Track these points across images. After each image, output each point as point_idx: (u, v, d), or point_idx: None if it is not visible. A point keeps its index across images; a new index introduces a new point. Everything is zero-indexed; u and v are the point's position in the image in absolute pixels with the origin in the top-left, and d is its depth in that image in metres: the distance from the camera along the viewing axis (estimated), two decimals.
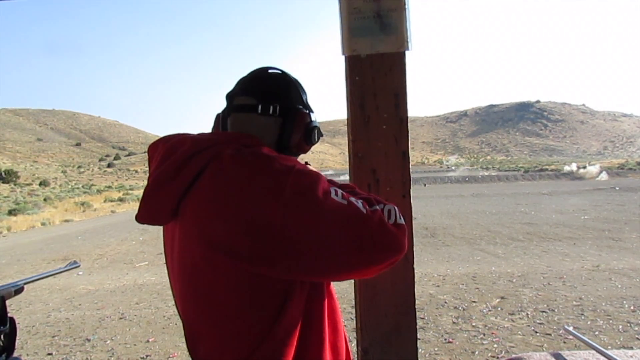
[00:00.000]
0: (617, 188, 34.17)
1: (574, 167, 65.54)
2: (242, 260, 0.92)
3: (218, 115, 1.22)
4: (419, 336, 5.09)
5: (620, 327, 5.41)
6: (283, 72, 1.19)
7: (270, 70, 1.19)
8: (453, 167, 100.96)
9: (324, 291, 1.05)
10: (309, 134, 1.16)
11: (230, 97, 1.18)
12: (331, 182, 1.09)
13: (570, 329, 2.55)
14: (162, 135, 1.36)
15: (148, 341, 5.49)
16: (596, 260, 9.54)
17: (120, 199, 38.06)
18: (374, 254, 0.95)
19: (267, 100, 1.12)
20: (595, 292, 6.80)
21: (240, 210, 0.93)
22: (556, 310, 6.09)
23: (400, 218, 1.01)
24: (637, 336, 5.12)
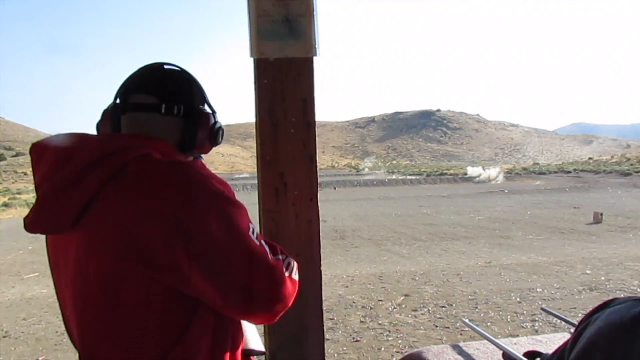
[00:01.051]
0: (506, 191, 37.53)
1: (477, 170, 71.09)
2: (160, 271, 0.89)
3: (106, 112, 1.11)
4: (328, 336, 5.20)
5: (509, 317, 5.94)
6: (183, 70, 1.14)
7: (167, 67, 1.12)
8: (367, 170, 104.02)
9: None
10: (214, 135, 1.13)
11: (123, 93, 1.09)
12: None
13: (467, 321, 2.75)
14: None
15: None
16: (488, 257, 10.40)
17: (6, 204, 34.40)
18: (263, 302, 0.97)
19: (171, 100, 1.06)
20: (488, 286, 7.40)
21: (166, 224, 0.88)
22: (454, 304, 6.53)
23: (296, 273, 1.05)
24: (522, 325, 5.65)
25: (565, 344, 0.97)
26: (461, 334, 5.33)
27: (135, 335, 0.93)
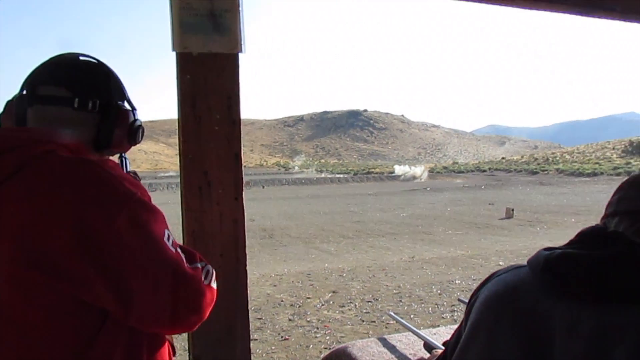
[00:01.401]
0: (428, 189, 39.34)
1: (404, 168, 74.00)
2: (62, 279, 0.81)
3: (10, 103, 1.01)
4: (256, 336, 5.16)
5: (430, 309, 6.24)
6: (100, 62, 1.06)
7: (82, 58, 1.04)
8: (297, 169, 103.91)
9: None
10: (133, 133, 1.07)
11: (31, 84, 0.99)
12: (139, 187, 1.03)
13: (392, 314, 2.85)
14: None
15: None
16: (412, 252, 10.85)
17: None
18: (179, 314, 0.92)
19: (86, 94, 0.98)
20: (411, 280, 7.72)
21: (70, 226, 0.81)
22: (379, 299, 6.74)
23: (214, 282, 1.00)
24: (442, 316, 5.96)
25: (462, 323, 1.00)
26: (386, 327, 5.52)
27: (31, 354, 0.84)
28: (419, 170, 71.61)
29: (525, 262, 0.90)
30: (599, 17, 2.00)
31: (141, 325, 0.91)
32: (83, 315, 0.85)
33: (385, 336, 2.21)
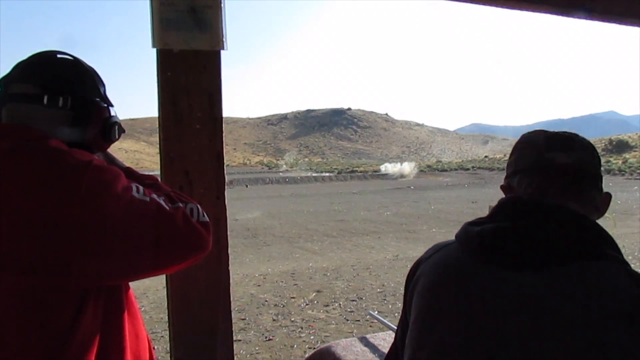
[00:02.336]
0: (412, 187, 39.63)
1: (395, 166, 74.40)
2: (30, 272, 0.80)
3: None
4: (240, 337, 5.13)
5: None
6: (76, 59, 1.05)
7: (59, 56, 1.04)
8: (285, 167, 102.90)
9: (122, 298, 0.97)
10: (107, 130, 1.06)
11: (5, 83, 0.99)
12: (131, 176, 1.02)
13: (375, 313, 2.86)
14: None
15: None
16: (396, 250, 10.91)
17: None
18: (177, 251, 0.94)
19: (56, 91, 0.98)
20: (395, 278, 7.76)
21: (27, 215, 0.80)
22: (364, 298, 6.77)
23: (203, 216, 1.01)
24: None
25: (403, 313, 1.02)
26: (371, 326, 5.54)
27: (11, 350, 0.83)
28: (408, 167, 71.87)
29: (450, 240, 0.97)
30: (580, 17, 2.03)
31: (140, 277, 0.93)
32: (60, 303, 0.85)
33: (368, 335, 2.22)
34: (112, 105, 1.09)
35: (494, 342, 0.79)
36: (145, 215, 0.89)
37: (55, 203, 0.82)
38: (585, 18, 2.03)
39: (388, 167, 75.90)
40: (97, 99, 1.05)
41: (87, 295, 0.88)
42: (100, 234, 0.84)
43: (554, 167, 0.90)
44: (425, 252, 1.01)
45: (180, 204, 0.97)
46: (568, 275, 0.78)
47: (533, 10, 1.96)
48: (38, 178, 0.84)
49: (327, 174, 70.97)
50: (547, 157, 0.91)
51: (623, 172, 52.63)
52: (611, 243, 0.84)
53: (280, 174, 74.87)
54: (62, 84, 1.00)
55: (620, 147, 79.47)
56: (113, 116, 1.08)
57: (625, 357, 0.73)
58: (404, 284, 1.04)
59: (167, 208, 0.93)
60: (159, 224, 0.90)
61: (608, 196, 0.94)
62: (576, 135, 0.96)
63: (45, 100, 0.97)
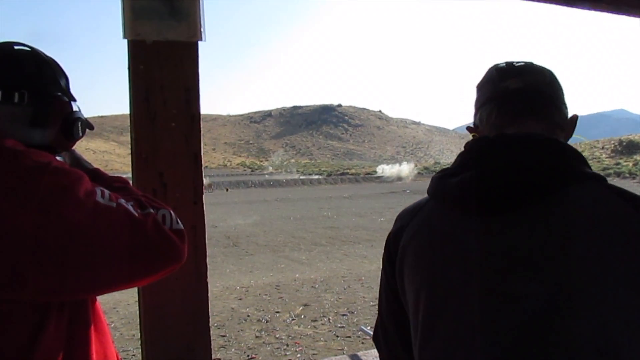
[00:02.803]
0: (408, 191, 39.81)
1: (389, 168, 74.48)
2: None
3: None
4: (219, 356, 5.11)
5: None
6: (33, 50, 1.04)
7: (16, 47, 1.03)
8: (271, 169, 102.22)
9: (88, 312, 0.97)
10: (69, 127, 1.05)
11: None
12: (98, 179, 1.02)
13: (367, 329, 2.87)
14: None
15: None
16: None
17: None
18: (147, 263, 0.93)
19: (11, 85, 0.97)
20: None
21: None
22: (355, 312, 6.78)
23: (177, 223, 1.00)
24: None
25: (386, 279, 1.09)
26: (363, 343, 5.54)
27: None
28: (406, 169, 71.76)
29: (417, 202, 1.07)
30: (586, 8, 2.07)
31: (108, 290, 0.92)
32: (19, 316, 0.85)
33: (360, 353, 2.23)
34: (74, 100, 1.08)
35: (516, 285, 0.84)
36: (111, 222, 0.88)
37: (8, 209, 0.81)
38: (591, 9, 2.07)
39: (385, 169, 75.98)
40: (58, 94, 1.04)
41: (48, 309, 0.87)
42: (59, 243, 0.83)
43: (508, 93, 1.01)
44: (399, 221, 1.07)
45: (152, 210, 0.97)
46: (561, 204, 0.85)
47: (539, 0, 1.99)
48: None
49: (315, 177, 71.05)
50: (501, 86, 1.02)
51: (634, 175, 53.42)
52: (584, 161, 0.93)
53: (266, 176, 74.69)
54: (17, 77, 0.99)
55: (630, 148, 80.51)
56: (76, 111, 1.07)
57: (631, 279, 0.79)
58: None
59: (136, 215, 0.92)
60: (125, 232, 0.89)
61: (574, 116, 1.05)
62: (530, 63, 1.06)
63: None
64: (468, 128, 1.11)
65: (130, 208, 0.93)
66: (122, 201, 0.93)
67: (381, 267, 1.12)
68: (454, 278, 0.91)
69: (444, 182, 0.96)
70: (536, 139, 0.92)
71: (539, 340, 0.80)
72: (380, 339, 1.15)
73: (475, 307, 0.87)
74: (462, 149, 1.01)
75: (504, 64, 1.06)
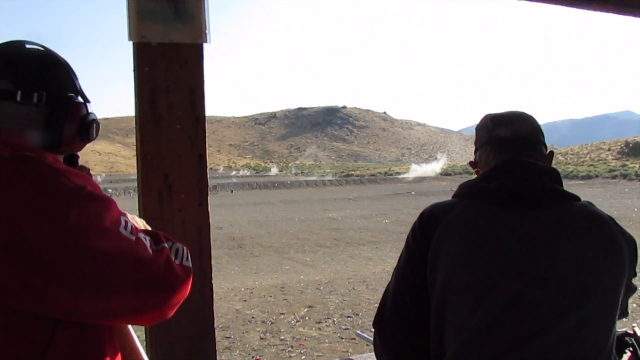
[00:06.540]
0: (413, 193, 39.74)
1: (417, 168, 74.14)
2: (7, 295, 0.81)
3: None
4: (224, 357, 5.11)
5: None
6: (47, 50, 1.04)
7: (28, 46, 1.02)
8: (274, 172, 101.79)
9: (101, 329, 0.97)
10: (85, 129, 1.05)
11: None
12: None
13: (364, 335, 2.86)
14: None
15: None
16: (395, 262, 10.92)
17: None
18: (154, 296, 0.94)
19: (30, 86, 0.96)
20: None
21: (8, 234, 0.80)
22: (360, 314, 6.76)
23: (187, 259, 1.02)
24: None
25: (412, 264, 1.30)
26: (367, 345, 5.53)
27: None
28: (437, 167, 70.23)
29: (449, 200, 1.31)
30: (592, 9, 2.06)
31: (118, 321, 0.95)
32: (32, 327, 0.85)
33: (365, 355, 2.22)
34: (89, 101, 1.08)
35: (548, 264, 1.11)
36: (127, 255, 0.89)
37: (38, 227, 0.81)
38: (599, 10, 2.05)
39: (416, 169, 74.75)
40: (73, 94, 1.04)
41: (61, 323, 0.87)
42: (78, 267, 0.84)
43: (499, 139, 1.30)
44: (434, 210, 1.30)
45: (166, 244, 0.98)
46: (570, 210, 1.18)
47: (545, 2, 1.98)
48: (26, 198, 0.83)
49: (319, 178, 71.05)
50: (494, 133, 1.31)
51: None
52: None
53: (270, 178, 74.78)
54: (36, 78, 0.98)
55: (637, 150, 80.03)
56: (91, 113, 1.07)
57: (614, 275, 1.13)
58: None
59: (151, 251, 0.93)
60: (139, 265, 0.90)
61: (551, 153, 1.35)
62: (518, 112, 1.35)
63: (18, 97, 0.95)
64: (470, 163, 1.43)
65: (147, 243, 0.94)
66: (142, 235, 0.94)
67: (405, 245, 1.36)
68: (500, 252, 1.14)
69: (481, 185, 1.23)
70: (537, 164, 1.24)
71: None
72: (386, 317, 1.30)
73: (517, 279, 1.10)
74: (472, 157, 1.39)
75: (496, 114, 1.35)
